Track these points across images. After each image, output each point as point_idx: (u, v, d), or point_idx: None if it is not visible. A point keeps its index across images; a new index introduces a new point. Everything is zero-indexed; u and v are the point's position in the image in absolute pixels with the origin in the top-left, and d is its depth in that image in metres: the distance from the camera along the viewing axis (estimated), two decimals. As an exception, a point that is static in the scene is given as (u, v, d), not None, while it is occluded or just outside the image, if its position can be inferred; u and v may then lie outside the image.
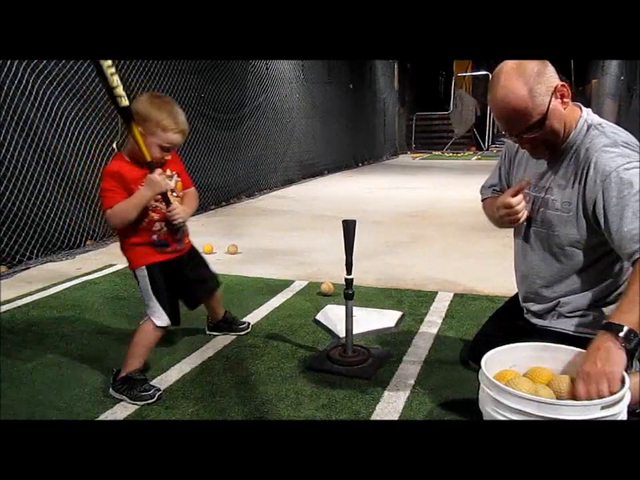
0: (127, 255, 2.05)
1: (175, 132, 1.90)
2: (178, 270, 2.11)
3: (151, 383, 2.02)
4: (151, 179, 1.86)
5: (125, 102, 1.76)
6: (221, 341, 2.46)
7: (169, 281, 2.06)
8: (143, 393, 1.94)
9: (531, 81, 1.54)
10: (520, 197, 1.74)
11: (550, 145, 1.67)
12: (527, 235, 1.86)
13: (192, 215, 2.11)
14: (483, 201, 2.09)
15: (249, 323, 2.57)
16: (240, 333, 2.51)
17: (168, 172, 2.02)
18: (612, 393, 1.34)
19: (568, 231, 1.70)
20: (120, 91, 1.74)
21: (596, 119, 1.69)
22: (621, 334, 1.39)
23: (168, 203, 1.94)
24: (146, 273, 2.01)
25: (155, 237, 2.00)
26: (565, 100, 1.61)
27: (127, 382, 1.97)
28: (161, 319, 2.03)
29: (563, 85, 1.59)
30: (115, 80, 1.72)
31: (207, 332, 2.52)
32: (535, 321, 1.89)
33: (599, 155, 1.59)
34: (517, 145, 1.79)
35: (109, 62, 1.69)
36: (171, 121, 1.88)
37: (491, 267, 3.53)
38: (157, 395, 1.95)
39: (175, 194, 2.03)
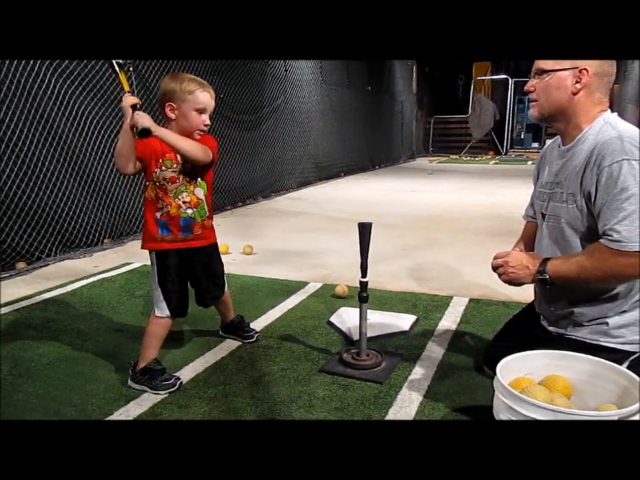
0: (143, 231, 2.12)
1: (202, 90, 1.99)
2: (189, 263, 2.13)
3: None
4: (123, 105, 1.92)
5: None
6: (235, 341, 2.47)
7: (179, 271, 2.09)
8: (165, 382, 2.00)
9: None
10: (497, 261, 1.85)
11: (542, 109, 1.76)
12: (541, 231, 1.89)
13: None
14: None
15: (256, 332, 2.49)
16: (244, 341, 2.45)
17: None
18: (501, 276, 1.79)
19: (573, 222, 1.73)
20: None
21: (613, 117, 1.71)
22: (539, 275, 1.71)
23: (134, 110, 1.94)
24: (155, 260, 2.07)
25: (158, 214, 2.04)
26: (577, 84, 1.68)
27: (146, 373, 2.02)
28: (161, 308, 2.07)
29: (584, 70, 1.66)
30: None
31: (220, 333, 2.52)
32: (551, 328, 1.87)
33: (601, 148, 1.62)
34: (544, 155, 1.97)
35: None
36: (192, 82, 1.98)
37: (508, 273, 3.49)
38: (177, 384, 2.01)
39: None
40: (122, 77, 1.96)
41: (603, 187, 1.59)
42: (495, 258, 1.83)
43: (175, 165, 2.02)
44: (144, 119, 1.88)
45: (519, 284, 1.79)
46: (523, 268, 1.74)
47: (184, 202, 2.05)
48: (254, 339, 2.46)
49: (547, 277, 1.69)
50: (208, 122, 2.04)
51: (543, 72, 1.72)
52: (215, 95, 2.05)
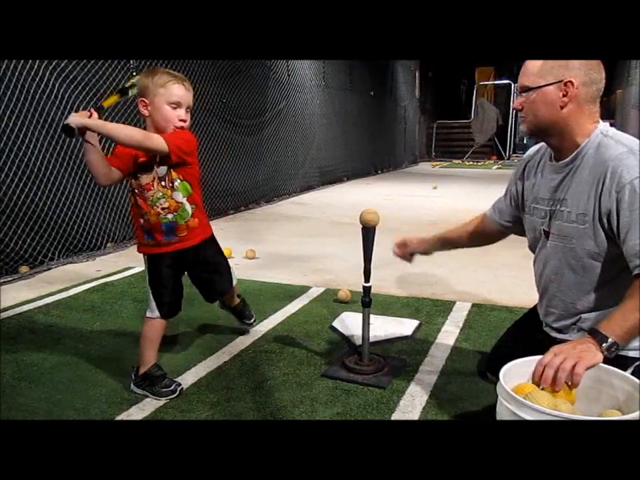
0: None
1: (174, 82, 1.89)
2: (183, 263, 2.09)
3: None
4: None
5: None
6: (237, 345, 2.46)
7: (169, 272, 2.05)
8: (165, 389, 1.99)
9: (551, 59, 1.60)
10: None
11: (532, 126, 1.70)
12: (544, 248, 1.84)
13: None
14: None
15: (254, 319, 2.60)
16: (242, 321, 2.55)
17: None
18: (569, 380, 1.39)
19: (585, 242, 1.67)
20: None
21: (611, 129, 1.67)
22: (605, 345, 1.44)
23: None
24: (147, 263, 2.08)
25: (142, 220, 2.00)
26: (563, 97, 1.61)
27: (147, 379, 2.02)
28: (151, 309, 2.06)
29: (570, 82, 1.59)
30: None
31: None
32: (554, 334, 1.86)
33: (615, 164, 1.57)
34: (526, 166, 1.92)
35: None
36: (165, 75, 1.90)
37: (510, 278, 3.49)
38: (178, 390, 2.01)
39: (163, 183, 1.96)
40: (114, 98, 2.00)
41: (628, 204, 1.53)
42: (542, 366, 1.45)
43: (148, 171, 1.94)
44: (70, 118, 1.78)
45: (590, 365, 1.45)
46: (579, 351, 1.43)
47: (162, 208, 1.96)
48: (252, 323, 2.56)
49: (614, 342, 1.44)
50: (183, 117, 1.92)
51: (528, 89, 1.65)
52: (192, 89, 1.94)
